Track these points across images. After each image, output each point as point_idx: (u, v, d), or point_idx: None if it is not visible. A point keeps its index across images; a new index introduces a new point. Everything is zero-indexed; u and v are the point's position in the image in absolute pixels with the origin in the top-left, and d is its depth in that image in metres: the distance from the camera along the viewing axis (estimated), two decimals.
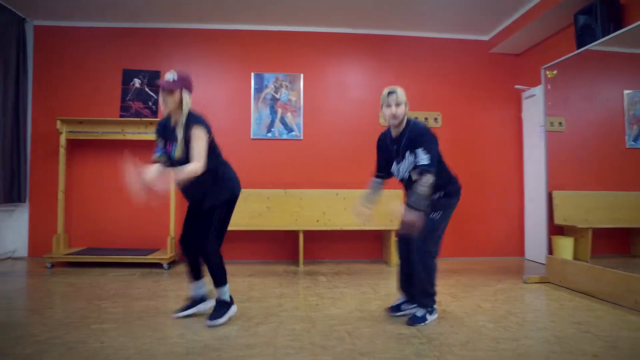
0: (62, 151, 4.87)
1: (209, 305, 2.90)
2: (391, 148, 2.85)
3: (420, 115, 5.43)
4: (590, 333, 2.62)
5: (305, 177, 5.21)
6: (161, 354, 2.24)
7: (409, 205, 2.60)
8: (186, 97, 2.61)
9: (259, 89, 5.24)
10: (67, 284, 3.86)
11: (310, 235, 5.08)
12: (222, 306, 2.78)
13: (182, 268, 4.68)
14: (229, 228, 4.79)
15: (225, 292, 2.80)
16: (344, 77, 5.41)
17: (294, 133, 5.25)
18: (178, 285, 3.85)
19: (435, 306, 2.90)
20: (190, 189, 2.71)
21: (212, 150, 2.73)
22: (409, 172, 2.75)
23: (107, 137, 4.93)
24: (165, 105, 2.60)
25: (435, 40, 5.54)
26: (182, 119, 2.60)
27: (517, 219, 5.53)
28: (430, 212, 2.73)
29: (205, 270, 2.87)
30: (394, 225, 5.00)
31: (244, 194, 5.10)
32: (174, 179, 2.57)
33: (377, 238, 5.33)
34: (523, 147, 5.52)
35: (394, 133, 2.83)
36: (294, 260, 5.12)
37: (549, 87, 4.21)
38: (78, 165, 5.13)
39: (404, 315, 2.94)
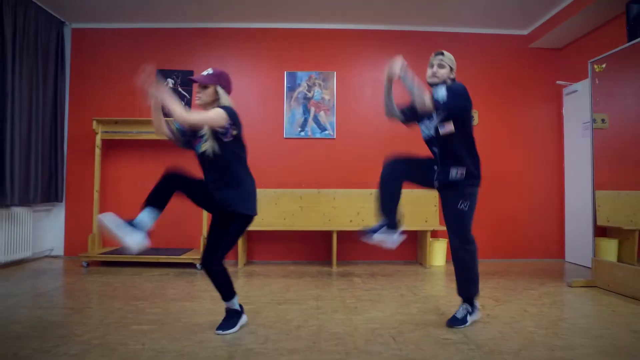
0: (97, 151, 4.93)
1: (244, 320, 2.73)
2: None
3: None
4: None
5: (338, 176, 5.13)
6: (204, 358, 2.19)
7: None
8: (221, 92, 2.53)
9: (291, 88, 5.19)
10: (103, 283, 3.89)
11: (344, 235, 4.99)
12: (233, 315, 2.65)
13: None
14: (262, 228, 4.83)
15: (235, 303, 2.66)
16: (377, 75, 5.29)
17: (327, 132, 5.18)
18: (211, 287, 3.81)
19: (477, 304, 2.80)
20: (211, 185, 2.57)
21: (238, 146, 2.60)
22: (438, 125, 2.63)
23: (141, 137, 4.96)
24: (198, 100, 2.53)
25: (471, 35, 5.38)
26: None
27: (557, 219, 5.31)
28: (458, 201, 2.67)
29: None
30: (428, 226, 4.88)
31: (277, 193, 5.11)
32: (164, 99, 2.32)
33: (411, 239, 5.19)
34: (564, 145, 5.30)
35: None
36: (327, 261, 5.04)
37: (597, 82, 4.01)
38: (113, 165, 5.18)
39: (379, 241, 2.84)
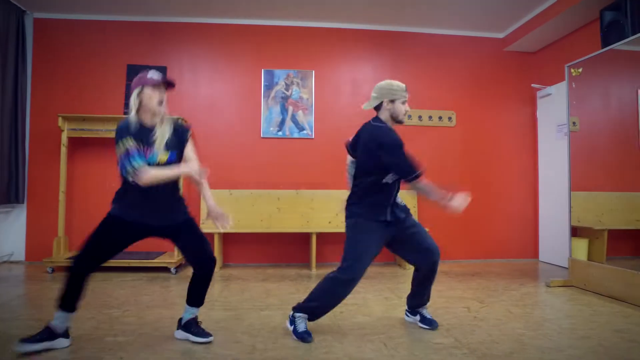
0: (63, 150, 4.64)
1: (66, 342, 2.36)
2: None
3: (433, 115, 5.30)
4: (636, 342, 2.49)
5: (317, 177, 5.04)
6: None
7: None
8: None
9: (269, 86, 5.05)
10: None
11: (323, 237, 4.91)
12: (46, 332, 2.31)
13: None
14: (239, 230, 4.68)
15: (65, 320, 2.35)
16: (356, 74, 5.25)
17: (305, 132, 5.07)
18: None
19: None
20: (169, 199, 2.39)
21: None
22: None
23: (110, 135, 4.70)
24: (162, 105, 2.25)
25: (449, 37, 5.40)
26: (165, 121, 2.31)
27: (531, 220, 5.41)
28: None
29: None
30: None
31: (254, 194, 4.97)
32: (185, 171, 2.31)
33: None
34: (538, 147, 5.40)
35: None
36: (306, 264, 4.94)
37: (574, 85, 4.09)
38: (79, 164, 4.90)
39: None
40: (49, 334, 2.29)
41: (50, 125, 4.75)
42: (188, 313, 2.50)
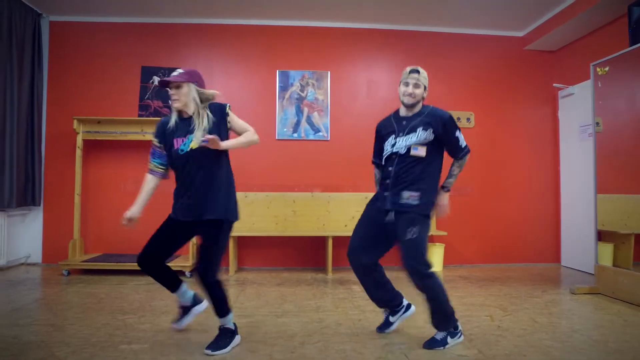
0: (78, 152, 4.64)
1: (204, 305, 2.72)
2: (396, 124, 2.56)
3: (452, 115, 5.16)
4: None
5: (332, 179, 4.96)
6: None
7: (446, 188, 2.60)
8: (195, 87, 2.40)
9: (284, 87, 4.99)
10: (86, 294, 3.63)
11: (339, 240, 4.82)
12: (226, 334, 2.45)
13: None
14: (254, 233, 4.62)
15: (230, 320, 2.47)
16: (372, 75, 5.16)
17: (320, 133, 5.00)
18: (204, 297, 3.60)
19: (459, 326, 2.55)
20: (200, 192, 2.37)
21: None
22: (412, 146, 2.46)
23: (126, 138, 4.70)
24: (176, 102, 2.38)
25: (467, 36, 5.28)
26: (199, 108, 2.39)
27: (553, 223, 5.26)
28: (410, 228, 2.42)
29: (173, 273, 2.63)
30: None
31: (269, 197, 4.91)
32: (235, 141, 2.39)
33: None
34: (559, 148, 5.25)
35: (405, 113, 2.57)
36: (322, 267, 4.87)
37: (600, 85, 3.94)
38: (95, 167, 4.90)
39: (394, 329, 2.74)
40: (231, 334, 2.47)
41: (66, 128, 4.75)
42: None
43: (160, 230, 2.52)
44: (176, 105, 2.38)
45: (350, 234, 4.69)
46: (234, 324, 2.51)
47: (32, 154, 4.71)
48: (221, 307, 2.44)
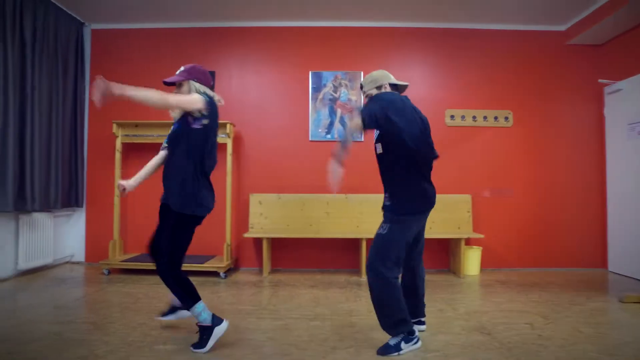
0: (117, 155, 4.79)
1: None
2: None
3: (488, 114, 5.02)
4: None
5: (367, 181, 4.90)
6: None
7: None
8: (197, 85, 2.47)
9: (317, 88, 4.97)
10: (124, 293, 3.74)
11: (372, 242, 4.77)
12: (203, 332, 2.43)
13: (239, 277, 4.49)
14: (287, 235, 4.63)
15: (200, 313, 2.40)
16: (406, 75, 5.06)
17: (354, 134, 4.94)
18: (238, 298, 3.64)
19: (416, 332, 2.49)
20: (164, 176, 2.50)
21: (202, 139, 2.42)
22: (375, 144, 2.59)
23: (162, 140, 4.80)
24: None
25: (504, 32, 5.10)
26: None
27: (599, 226, 5.00)
28: (381, 224, 2.46)
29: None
30: (462, 233, 4.62)
31: (303, 198, 4.90)
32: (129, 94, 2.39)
33: (442, 247, 4.95)
34: (605, 147, 4.99)
35: None
36: (355, 270, 4.83)
37: None
38: (133, 169, 5.01)
39: None
40: (207, 330, 2.42)
41: (106, 132, 4.92)
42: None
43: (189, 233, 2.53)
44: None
45: None
46: (213, 316, 2.45)
47: (75, 157, 4.90)
48: (181, 298, 2.41)
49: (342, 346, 2.53)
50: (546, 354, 2.43)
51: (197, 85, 2.47)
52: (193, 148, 2.40)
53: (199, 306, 2.41)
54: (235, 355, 2.38)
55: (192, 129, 2.40)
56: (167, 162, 2.51)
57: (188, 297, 2.40)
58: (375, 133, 2.55)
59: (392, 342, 2.42)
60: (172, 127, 2.54)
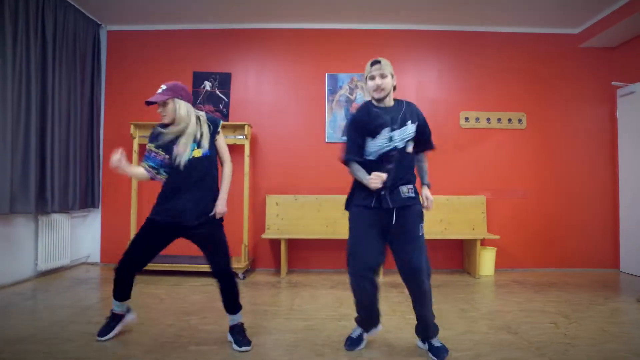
0: (135, 156, 4.81)
1: (132, 317, 2.79)
2: (383, 117, 2.34)
3: (502, 117, 5.07)
4: None
5: None
6: None
7: (427, 184, 2.57)
8: (181, 103, 2.49)
9: (333, 91, 5.01)
10: (147, 294, 3.76)
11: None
12: (243, 329, 2.61)
13: (257, 277, 4.52)
14: (304, 236, 4.66)
15: (241, 315, 2.65)
16: (421, 77, 5.11)
17: None
18: (261, 299, 3.67)
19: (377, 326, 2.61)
20: (196, 196, 2.53)
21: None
22: (408, 140, 2.37)
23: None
24: (164, 118, 2.51)
25: (518, 35, 5.15)
26: (192, 123, 2.50)
27: (611, 227, 5.05)
28: (420, 224, 2.40)
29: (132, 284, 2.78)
30: (477, 234, 4.67)
31: (319, 200, 4.93)
32: (226, 191, 2.63)
33: (457, 247, 5.00)
34: (618, 149, 5.04)
35: (383, 104, 2.38)
36: None
37: None
38: None
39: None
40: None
41: (123, 133, 4.94)
42: (229, 319, 2.62)
43: (143, 235, 2.62)
44: (165, 120, 2.50)
45: None
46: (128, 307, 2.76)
47: (92, 158, 4.92)
48: (237, 301, 2.60)
49: (374, 346, 2.56)
50: (575, 352, 2.47)
51: (182, 102, 2.49)
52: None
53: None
54: (270, 355, 2.41)
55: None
56: (193, 185, 2.52)
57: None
58: (409, 132, 2.37)
59: (439, 343, 2.45)
60: (189, 154, 2.48)
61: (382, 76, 2.32)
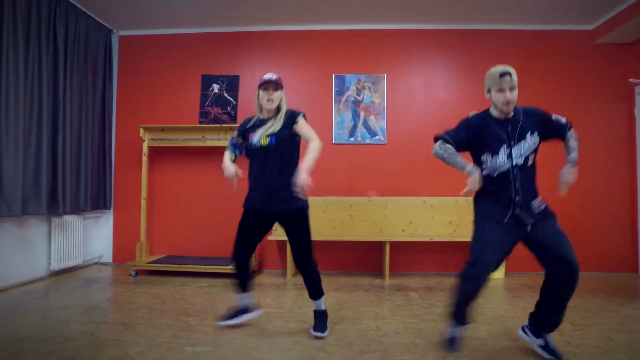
0: (144, 159, 4.90)
1: (252, 315, 2.95)
2: (503, 131, 2.33)
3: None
4: None
5: (390, 184, 4.89)
6: None
7: (572, 162, 2.49)
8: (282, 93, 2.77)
9: (340, 92, 4.99)
10: (152, 295, 3.82)
11: (396, 245, 4.76)
12: (324, 317, 2.82)
13: (263, 279, 4.54)
14: (312, 238, 4.63)
15: (322, 303, 2.85)
16: (430, 77, 5.04)
17: (377, 137, 4.94)
18: (264, 300, 3.68)
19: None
20: (279, 186, 2.65)
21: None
22: (529, 154, 2.36)
23: (187, 145, 4.90)
24: (271, 102, 2.67)
25: (530, 32, 5.02)
26: (282, 112, 2.72)
27: (630, 229, 4.87)
28: (557, 223, 2.46)
29: (252, 282, 2.97)
30: None
31: (326, 201, 4.92)
32: (309, 162, 2.62)
33: (467, 250, 4.89)
34: (636, 148, 4.86)
35: (501, 117, 2.36)
36: (378, 272, 4.82)
37: None
38: (159, 173, 5.14)
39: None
40: (326, 315, 2.84)
41: (133, 136, 5.03)
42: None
43: (240, 227, 2.79)
44: (271, 106, 2.67)
45: (407, 238, 4.62)
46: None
47: (104, 161, 5.03)
48: (320, 289, 2.82)
49: (368, 350, 2.54)
50: None
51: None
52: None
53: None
54: (265, 359, 2.41)
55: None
56: (274, 169, 2.66)
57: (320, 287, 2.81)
58: (528, 146, 2.36)
59: (553, 344, 2.48)
60: (271, 133, 2.66)
61: (512, 89, 2.27)
